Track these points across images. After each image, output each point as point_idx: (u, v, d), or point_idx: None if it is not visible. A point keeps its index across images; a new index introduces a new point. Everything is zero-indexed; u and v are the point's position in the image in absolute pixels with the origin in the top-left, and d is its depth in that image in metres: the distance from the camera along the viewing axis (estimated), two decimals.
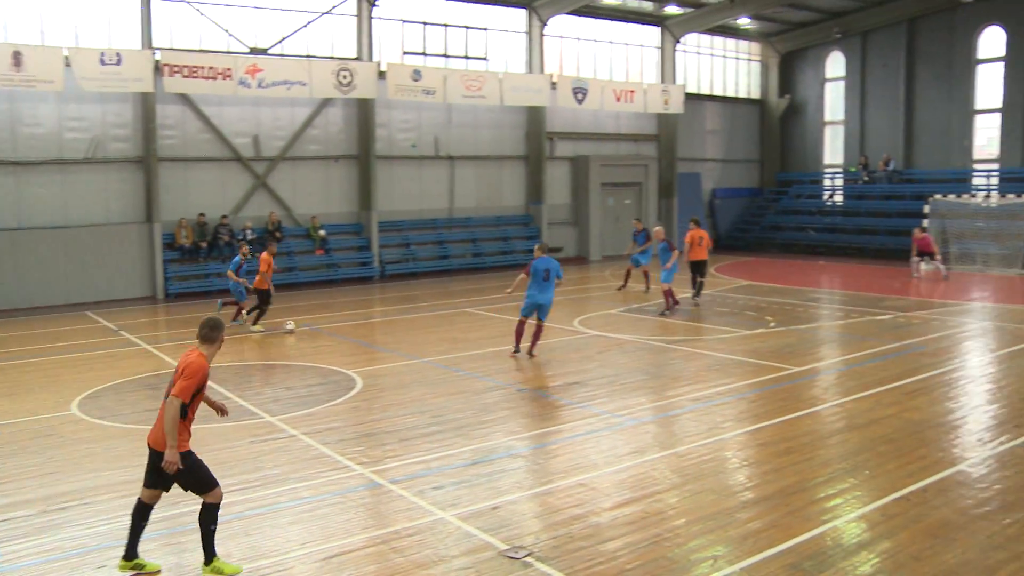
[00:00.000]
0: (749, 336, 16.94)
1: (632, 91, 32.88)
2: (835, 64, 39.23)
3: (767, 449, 9.79)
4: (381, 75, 27.54)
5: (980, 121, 34.74)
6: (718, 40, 38.93)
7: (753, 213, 40.00)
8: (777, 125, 41.03)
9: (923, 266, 27.08)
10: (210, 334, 6.93)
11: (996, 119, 34.14)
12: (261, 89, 24.97)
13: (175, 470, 6.68)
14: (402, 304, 22.23)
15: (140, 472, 7.12)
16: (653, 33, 35.71)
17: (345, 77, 26.33)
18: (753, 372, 13.77)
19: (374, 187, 28.60)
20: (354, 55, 27.86)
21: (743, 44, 39.98)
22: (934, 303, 21.34)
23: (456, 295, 23.96)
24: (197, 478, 6.80)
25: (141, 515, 6.93)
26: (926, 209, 29.79)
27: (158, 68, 23.89)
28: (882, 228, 34.69)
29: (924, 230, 27.79)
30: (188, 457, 6.76)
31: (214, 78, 24.19)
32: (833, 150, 40.16)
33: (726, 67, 39.72)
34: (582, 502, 8.27)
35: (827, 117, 39.99)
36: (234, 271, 19.00)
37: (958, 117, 34.98)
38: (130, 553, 6.92)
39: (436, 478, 8.95)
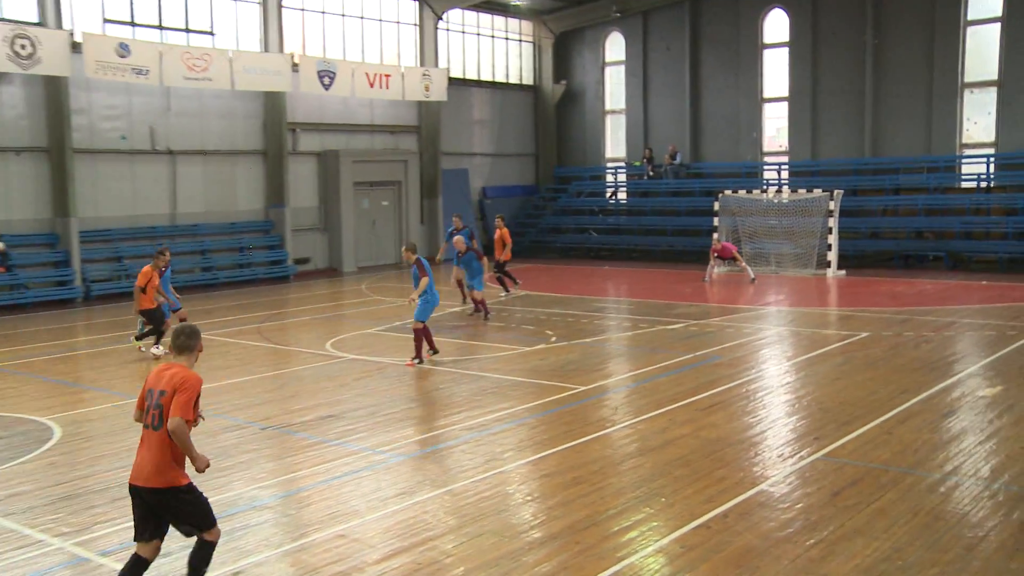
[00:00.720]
0: (528, 353, 17.29)
1: (388, 75, 32.96)
2: (615, 46, 41.05)
3: (553, 480, 9.98)
4: (76, 47, 26.02)
5: (769, 110, 37.40)
6: (485, 18, 39.80)
7: (529, 214, 41.10)
8: (553, 114, 42.39)
9: (716, 271, 28.81)
10: (188, 342, 7.00)
11: (784, 108, 36.86)
12: None
13: (205, 468, 6.89)
14: (114, 331, 21.11)
15: None
16: (410, 8, 36.01)
17: (24, 47, 24.62)
18: (534, 394, 14.04)
19: (72, 188, 27.01)
20: (35, 19, 26.15)
21: (513, 23, 41.08)
22: (728, 309, 22.65)
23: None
24: (203, 511, 6.91)
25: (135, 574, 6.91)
26: (716, 206, 31.65)
27: None
28: (670, 228, 36.56)
29: (718, 239, 29.58)
30: (192, 490, 6.86)
31: None
32: (615, 142, 41.97)
33: (495, 49, 40.65)
34: (343, 556, 8.08)
35: (608, 105, 41.77)
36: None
37: (746, 106, 37.49)
38: None
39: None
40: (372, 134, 35.64)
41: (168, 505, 6.81)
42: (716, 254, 28.77)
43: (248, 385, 15.18)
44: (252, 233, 31.76)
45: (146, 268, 17.88)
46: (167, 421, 6.66)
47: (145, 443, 6.81)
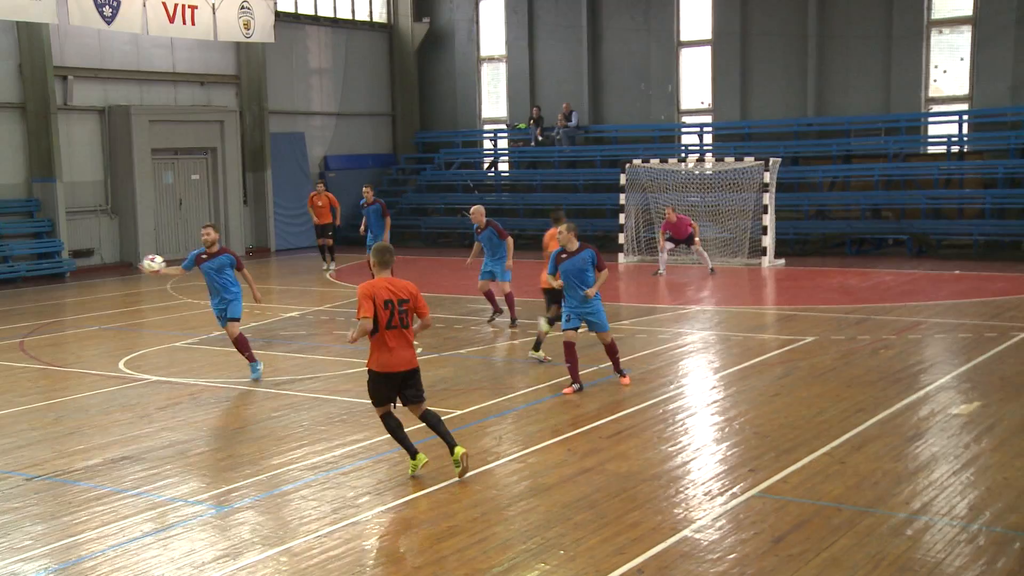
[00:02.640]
0: None
1: (194, 7, 32.45)
2: None
3: (421, 532, 10.02)
4: None
5: (687, 58, 38.01)
6: None
7: (384, 191, 41.00)
8: (413, 62, 42.39)
9: (665, 258, 28.65)
10: (390, 258, 11.78)
11: (706, 55, 37.50)
12: None
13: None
14: None
15: None
16: None
17: None
18: None
19: None
20: None
21: None
22: (639, 309, 22.99)
23: None
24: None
25: (396, 425, 11.68)
26: (623, 180, 32.04)
27: None
28: (566, 207, 36.76)
29: (674, 210, 29.02)
30: None
31: None
32: (494, 98, 42.17)
33: None
34: None
35: (484, 51, 41.95)
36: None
37: (659, 52, 38.04)
38: (413, 452, 11.71)
39: None
40: (175, 85, 35.11)
41: (414, 378, 11.53)
42: (669, 232, 28.51)
43: (7, 421, 14.81)
44: (8, 216, 30.98)
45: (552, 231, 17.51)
46: (413, 320, 11.49)
47: (396, 339, 11.31)
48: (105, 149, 33.42)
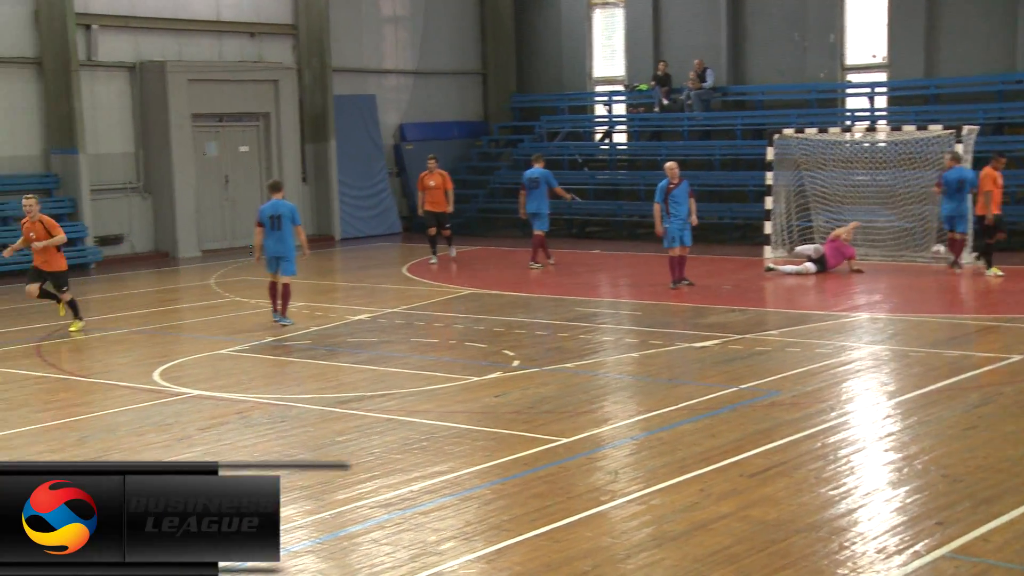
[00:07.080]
0: (476, 385, 17.30)
1: None
2: None
3: None
4: None
5: (854, 2, 37.51)
6: None
7: (473, 167, 41.06)
8: (510, 8, 42.29)
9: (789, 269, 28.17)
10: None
11: None
12: None
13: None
14: None
15: None
16: None
17: None
18: (487, 449, 14.05)
19: None
20: None
21: None
22: (791, 316, 22.74)
23: None
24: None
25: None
26: (770, 154, 31.65)
27: None
28: (698, 189, 36.51)
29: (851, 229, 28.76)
30: None
31: None
32: (608, 54, 41.97)
33: None
34: None
35: None
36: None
37: None
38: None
39: None
40: (220, 37, 35.42)
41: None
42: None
43: (23, 440, 15.03)
44: (21, 194, 31.38)
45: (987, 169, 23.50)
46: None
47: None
48: (136, 114, 33.81)
